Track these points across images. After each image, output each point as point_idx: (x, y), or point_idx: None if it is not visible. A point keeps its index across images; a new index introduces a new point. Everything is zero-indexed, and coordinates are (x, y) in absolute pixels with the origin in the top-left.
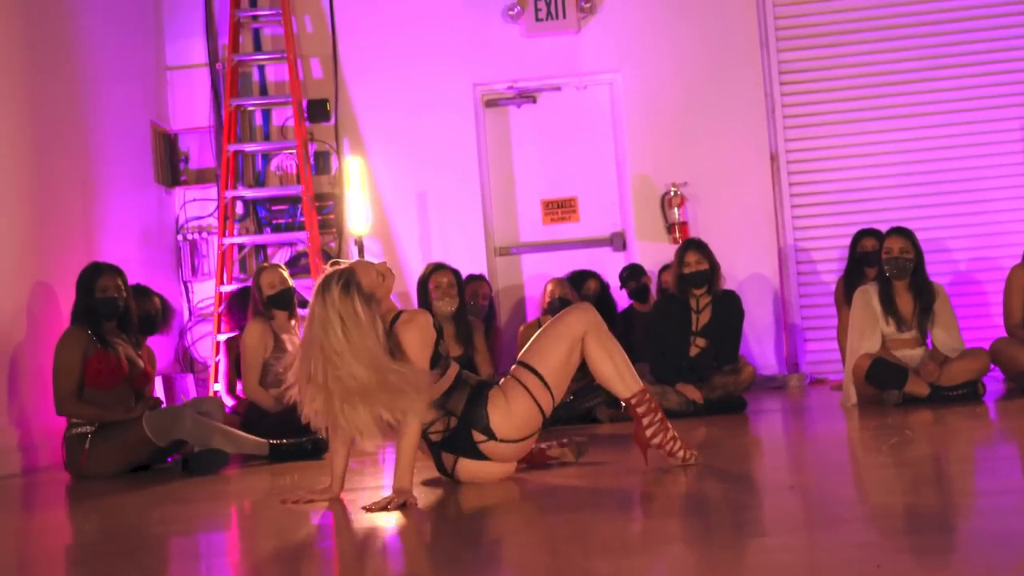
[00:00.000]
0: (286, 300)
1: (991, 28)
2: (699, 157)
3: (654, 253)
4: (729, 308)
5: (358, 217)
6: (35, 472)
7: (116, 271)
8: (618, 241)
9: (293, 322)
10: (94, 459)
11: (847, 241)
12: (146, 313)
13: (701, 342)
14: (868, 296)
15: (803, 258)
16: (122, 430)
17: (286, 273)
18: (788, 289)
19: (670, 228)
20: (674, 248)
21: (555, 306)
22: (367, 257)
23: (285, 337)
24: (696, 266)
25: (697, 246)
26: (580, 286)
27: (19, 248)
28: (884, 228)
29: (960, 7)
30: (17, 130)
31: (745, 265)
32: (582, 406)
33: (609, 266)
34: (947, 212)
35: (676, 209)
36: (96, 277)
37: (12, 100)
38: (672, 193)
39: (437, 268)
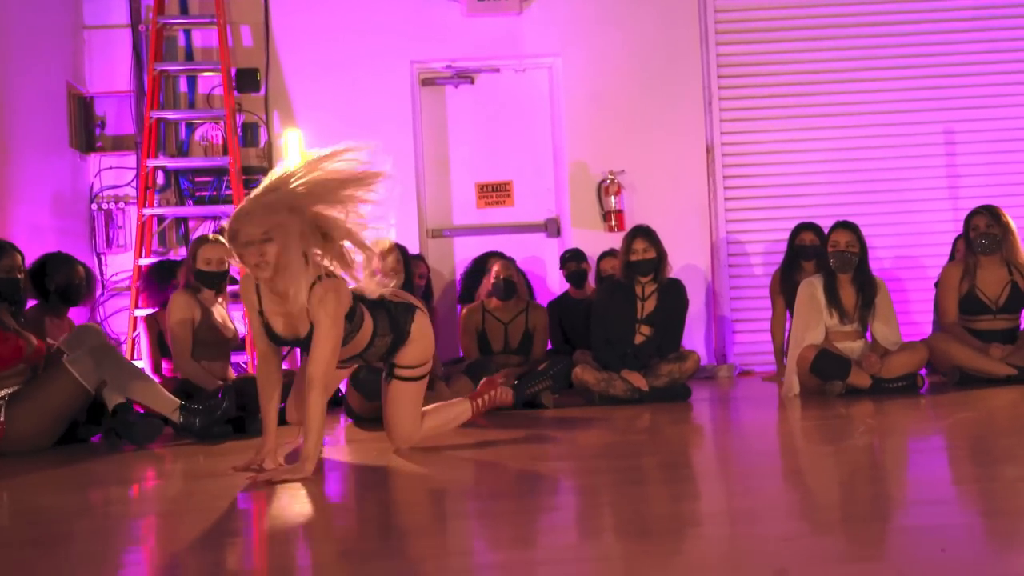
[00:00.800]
0: (217, 282)
1: (924, 33)
2: (636, 146)
3: (589, 241)
4: (674, 297)
5: None
6: None
7: (16, 249)
8: (552, 227)
9: (220, 298)
10: (12, 428)
11: (778, 235)
12: (69, 283)
13: (646, 330)
14: (813, 288)
15: (735, 251)
16: (44, 383)
17: (228, 256)
18: (719, 281)
19: (606, 216)
20: (609, 236)
21: (499, 286)
22: None
23: (214, 309)
24: (643, 254)
25: (645, 234)
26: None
27: None
28: (815, 223)
29: (895, 11)
30: None
31: (678, 256)
32: (526, 391)
33: (543, 252)
34: (876, 211)
35: (612, 197)
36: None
37: None
38: (609, 181)
39: None
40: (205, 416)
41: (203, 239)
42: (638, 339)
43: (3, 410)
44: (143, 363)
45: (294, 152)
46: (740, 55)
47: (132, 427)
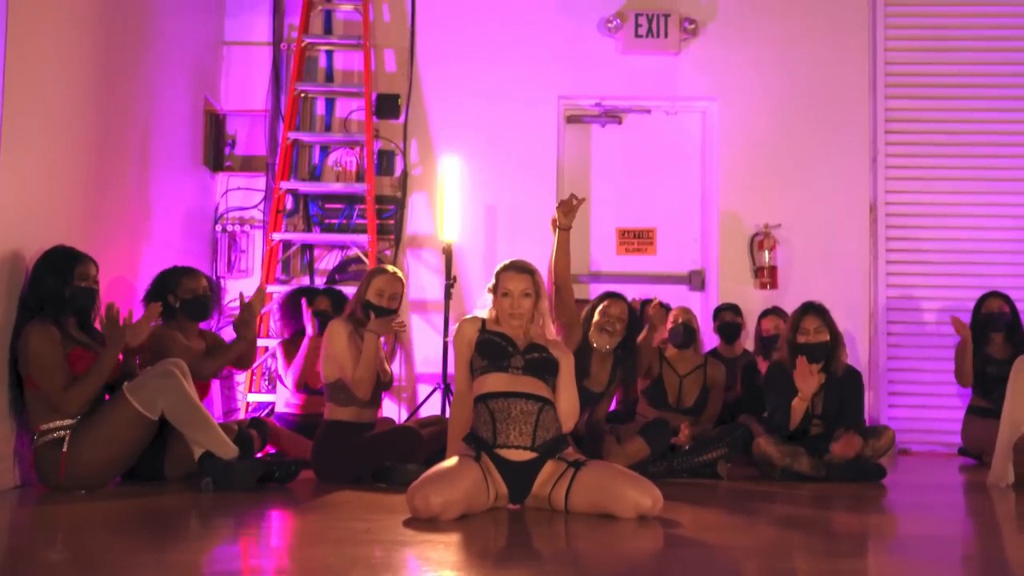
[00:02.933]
0: (384, 318)
1: None
2: (794, 199)
3: (735, 297)
4: (848, 390)
5: (450, 223)
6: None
7: (91, 259)
8: (697, 280)
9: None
10: (75, 462)
11: (944, 304)
12: (195, 296)
13: (818, 424)
14: None
15: (895, 318)
16: (105, 411)
17: (401, 292)
18: (877, 350)
19: (757, 272)
20: (760, 294)
21: (678, 332)
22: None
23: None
24: (815, 335)
25: (817, 311)
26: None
27: (79, 227)
28: (983, 292)
29: None
30: (78, 97)
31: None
32: (699, 459)
33: (686, 305)
34: None
35: (767, 252)
36: (76, 264)
37: (82, 61)
38: (763, 235)
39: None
40: (229, 477)
41: (381, 269)
42: (812, 431)
43: (67, 442)
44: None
45: (450, 181)
46: (910, 110)
47: (229, 469)
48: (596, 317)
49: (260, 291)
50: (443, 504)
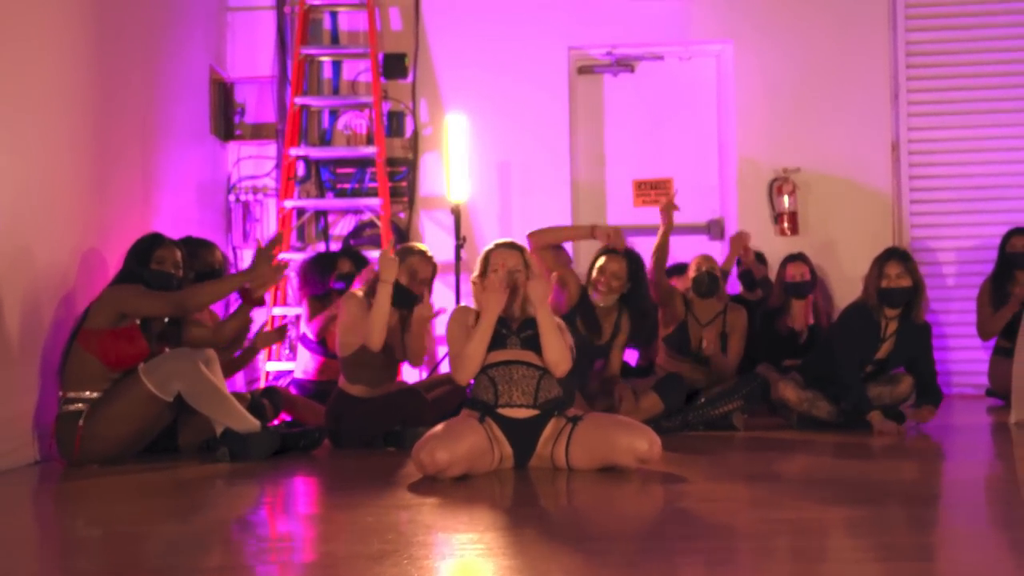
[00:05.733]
0: (410, 303)
1: None
2: (813, 142)
3: (755, 244)
4: (918, 342)
5: (458, 182)
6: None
7: (177, 246)
8: (716, 229)
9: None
10: (90, 436)
11: (970, 242)
12: (211, 269)
13: (869, 369)
14: None
15: (921, 259)
16: (120, 390)
17: (433, 276)
18: None
19: (777, 218)
20: (780, 240)
21: (702, 281)
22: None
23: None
24: (897, 280)
25: (902, 258)
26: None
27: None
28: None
29: None
30: (79, 68)
31: (857, 264)
32: (714, 411)
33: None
34: None
35: (786, 197)
36: (155, 247)
37: (81, 28)
38: (782, 179)
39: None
40: (247, 447)
41: (413, 249)
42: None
43: (84, 416)
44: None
45: (456, 139)
46: (932, 42)
47: (246, 440)
48: (594, 274)
49: (278, 236)
50: (449, 459)
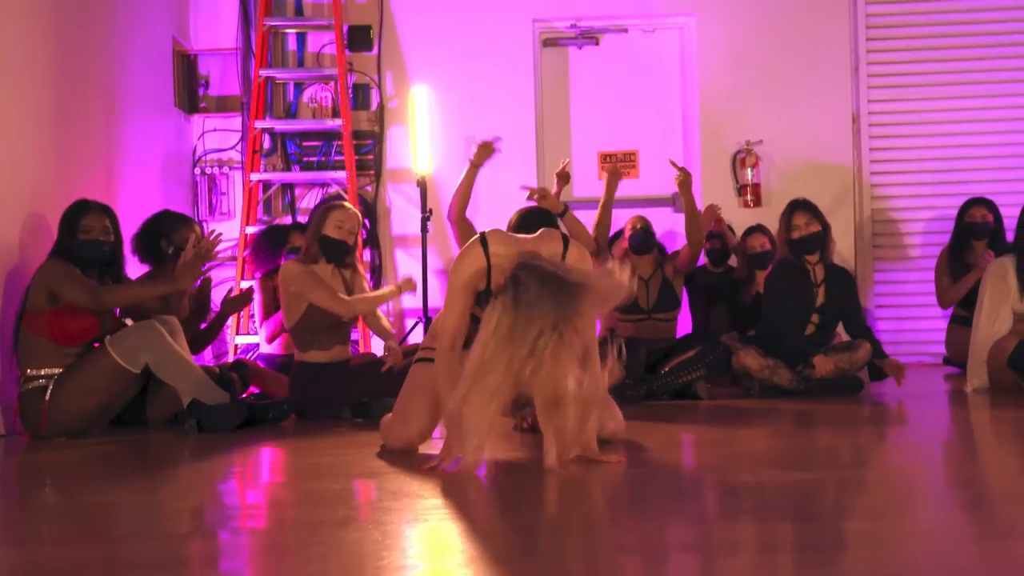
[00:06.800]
0: (343, 254)
1: None
2: (775, 115)
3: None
4: (846, 286)
5: (423, 154)
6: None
7: (105, 210)
8: (680, 202)
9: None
10: (56, 410)
11: (930, 214)
12: (188, 243)
13: (816, 319)
14: (1004, 269)
15: (881, 230)
16: (86, 363)
17: (359, 226)
18: (863, 264)
19: (740, 190)
20: (743, 212)
21: (639, 237)
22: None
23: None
24: (807, 228)
25: (804, 206)
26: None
27: (43, 172)
28: (988, 199)
29: None
30: (40, 38)
31: None
32: (678, 380)
33: (670, 228)
34: None
35: (749, 170)
36: (80, 216)
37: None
38: (745, 152)
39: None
40: (214, 419)
41: (336, 205)
42: (809, 329)
43: (49, 391)
44: (260, 335)
45: (421, 111)
46: (892, 15)
47: (213, 412)
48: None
49: (212, 241)
50: (419, 433)
